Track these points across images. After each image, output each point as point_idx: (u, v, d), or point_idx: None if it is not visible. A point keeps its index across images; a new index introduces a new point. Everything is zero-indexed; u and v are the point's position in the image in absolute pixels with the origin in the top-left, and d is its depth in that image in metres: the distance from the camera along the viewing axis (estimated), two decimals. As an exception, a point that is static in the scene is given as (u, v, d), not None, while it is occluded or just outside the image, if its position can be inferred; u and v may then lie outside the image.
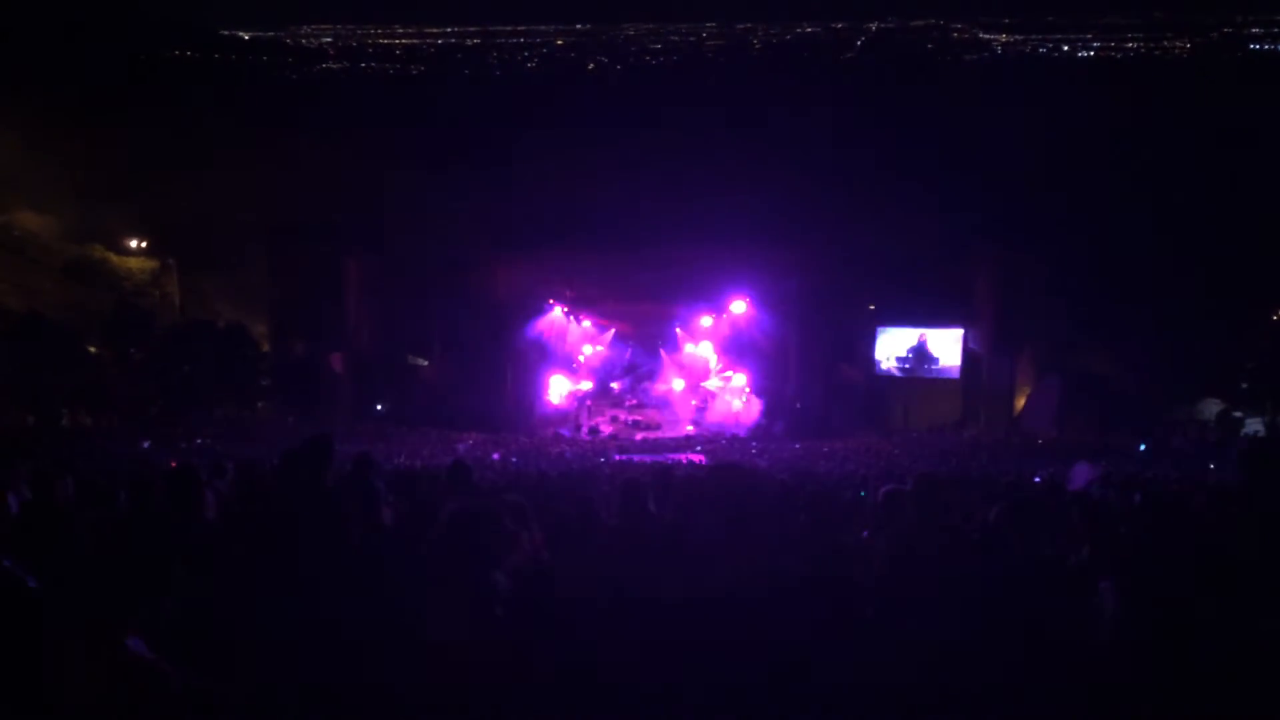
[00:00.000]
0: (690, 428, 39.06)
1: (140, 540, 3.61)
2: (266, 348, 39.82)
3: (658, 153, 51.61)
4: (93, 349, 34.65)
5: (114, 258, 44.68)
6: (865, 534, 5.43)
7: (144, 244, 45.63)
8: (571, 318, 43.22)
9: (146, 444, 18.12)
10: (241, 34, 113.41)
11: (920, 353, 40.41)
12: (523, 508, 4.53)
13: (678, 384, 41.98)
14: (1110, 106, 63.87)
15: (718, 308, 42.88)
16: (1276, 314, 37.68)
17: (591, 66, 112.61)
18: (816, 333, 41.63)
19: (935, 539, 3.93)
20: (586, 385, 42.25)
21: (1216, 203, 45.59)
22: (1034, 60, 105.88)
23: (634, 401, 41.35)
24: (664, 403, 41.30)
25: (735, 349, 43.14)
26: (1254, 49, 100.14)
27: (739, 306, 42.08)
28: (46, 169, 42.71)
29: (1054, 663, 3.55)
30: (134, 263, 44.98)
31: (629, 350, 43.32)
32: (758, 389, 41.87)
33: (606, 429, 39.06)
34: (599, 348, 43.21)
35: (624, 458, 26.94)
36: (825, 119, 60.56)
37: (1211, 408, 34.26)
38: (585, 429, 39.11)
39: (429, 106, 71.98)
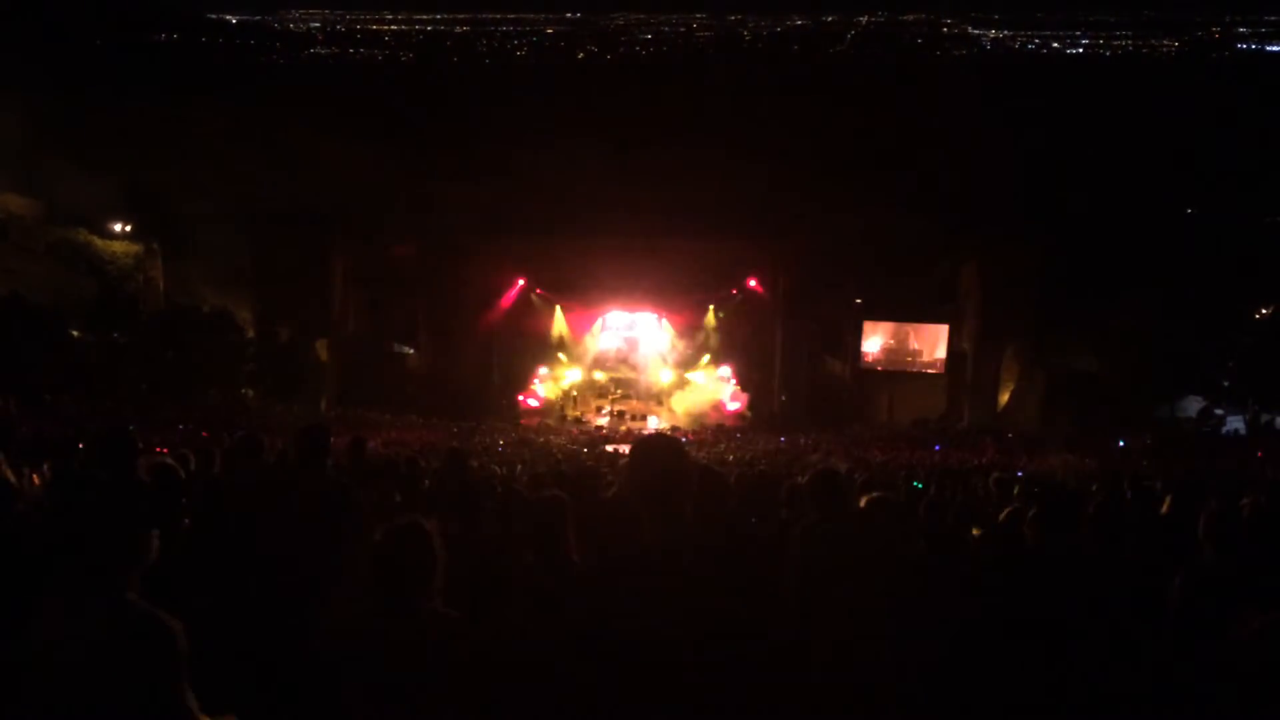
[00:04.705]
0: (676, 419, 39.06)
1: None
2: (251, 334, 39.65)
3: (645, 143, 51.45)
4: (76, 333, 34.39)
5: (98, 241, 44.23)
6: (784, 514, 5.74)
7: (128, 228, 45.18)
8: (558, 307, 43.20)
9: (130, 428, 17.96)
10: (229, 18, 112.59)
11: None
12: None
13: (663, 375, 41.99)
14: (1098, 104, 64.06)
15: (704, 299, 42.91)
16: (1259, 311, 37.94)
17: (581, 55, 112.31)
18: (801, 326, 41.74)
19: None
20: (573, 375, 42.23)
21: (1202, 200, 45.86)
22: (1023, 57, 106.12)
23: (619, 392, 41.32)
24: (649, 394, 41.32)
25: (720, 341, 43.20)
26: (1242, 48, 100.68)
27: (725, 298, 42.10)
28: (28, 151, 42.28)
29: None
30: (118, 246, 44.56)
31: (616, 340, 43.31)
32: (743, 381, 41.94)
33: (592, 419, 39.02)
34: (586, 337, 43.18)
35: (613, 449, 26.97)
36: (813, 112, 60.51)
37: (1193, 404, 34.53)
38: (570, 419, 39.08)
39: (417, 94, 71.56)
